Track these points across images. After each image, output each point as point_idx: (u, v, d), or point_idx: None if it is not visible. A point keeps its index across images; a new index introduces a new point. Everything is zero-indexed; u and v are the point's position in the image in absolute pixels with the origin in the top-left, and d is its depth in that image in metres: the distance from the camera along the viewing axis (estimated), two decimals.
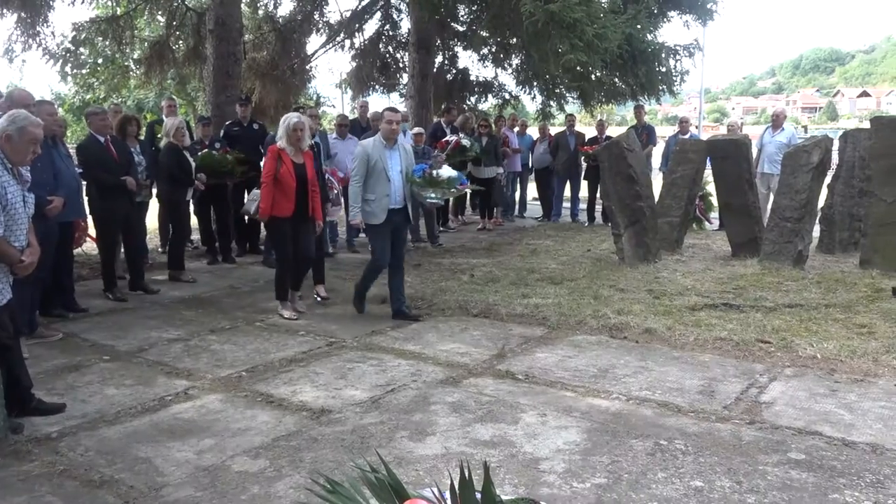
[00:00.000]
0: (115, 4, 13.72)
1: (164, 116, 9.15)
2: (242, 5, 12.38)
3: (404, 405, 4.13)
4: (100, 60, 15.25)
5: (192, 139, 8.47)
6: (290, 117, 6.08)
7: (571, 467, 3.31)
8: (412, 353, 5.19)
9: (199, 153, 8.23)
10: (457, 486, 2.19)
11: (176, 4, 13.27)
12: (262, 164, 8.43)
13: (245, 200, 9.34)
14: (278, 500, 3.04)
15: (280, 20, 15.00)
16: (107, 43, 13.30)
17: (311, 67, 15.91)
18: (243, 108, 9.18)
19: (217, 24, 10.28)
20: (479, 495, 2.23)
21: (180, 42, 14.02)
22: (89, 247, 8.69)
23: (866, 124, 8.64)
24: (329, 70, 67.69)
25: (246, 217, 9.41)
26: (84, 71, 15.41)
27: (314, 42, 40.17)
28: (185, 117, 11.42)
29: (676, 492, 3.07)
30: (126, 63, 14.88)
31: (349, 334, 5.68)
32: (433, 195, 6.28)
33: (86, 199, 6.72)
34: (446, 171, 6.31)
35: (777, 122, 10.78)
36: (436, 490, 2.24)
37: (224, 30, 10.25)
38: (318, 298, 6.83)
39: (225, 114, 9.79)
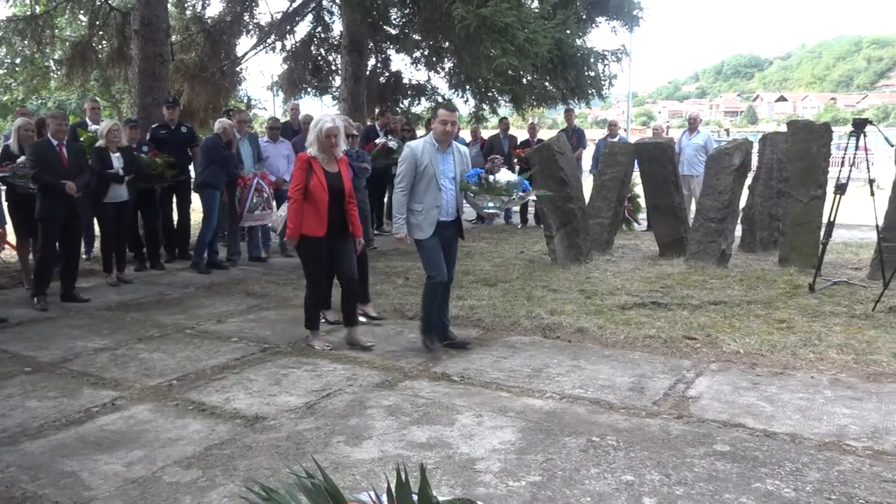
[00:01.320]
0: (33, 3, 13.21)
1: (87, 119, 8.86)
2: (169, 6, 12.08)
3: (340, 410, 4.10)
4: (17, 60, 14.65)
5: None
6: (323, 121, 5.20)
7: (507, 466, 3.35)
8: (348, 357, 5.16)
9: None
10: (393, 489, 2.20)
11: (99, 4, 12.85)
12: (191, 168, 8.34)
13: (174, 206, 9.21)
14: None
15: (209, 21, 14.70)
16: (25, 42, 12.79)
17: (241, 69, 15.65)
18: (171, 111, 8.96)
19: (143, 25, 10.01)
20: (415, 497, 2.24)
21: (104, 42, 13.59)
22: (8, 254, 8.35)
23: (783, 128, 9.01)
24: (260, 72, 66.74)
25: (175, 221, 9.23)
26: (1, 71, 14.79)
27: (244, 44, 39.54)
28: (110, 119, 11.09)
29: (608, 486, 3.14)
30: (46, 64, 14.34)
31: (283, 340, 5.60)
32: (491, 204, 5.29)
33: (5, 205, 6.46)
34: (505, 176, 5.35)
35: (693, 125, 11.18)
36: (373, 494, 2.24)
37: (150, 30, 9.98)
38: (364, 319, 6.04)
39: (152, 116, 9.54)
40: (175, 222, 9.33)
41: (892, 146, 7.87)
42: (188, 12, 14.95)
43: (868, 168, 7.16)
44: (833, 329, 5.54)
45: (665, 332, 5.48)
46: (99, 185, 7.36)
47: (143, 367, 4.96)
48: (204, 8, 14.96)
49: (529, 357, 5.09)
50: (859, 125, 7.00)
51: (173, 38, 12.77)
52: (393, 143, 10.56)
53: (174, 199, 9.14)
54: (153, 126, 8.98)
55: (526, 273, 7.86)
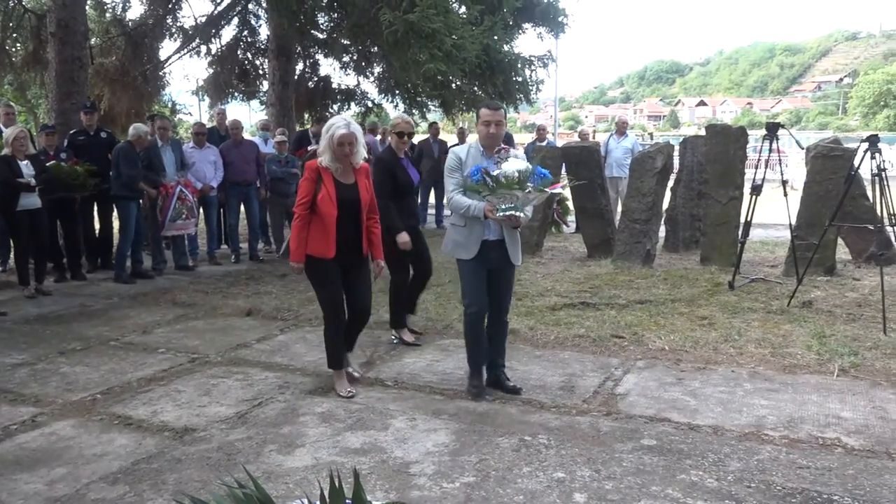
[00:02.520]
0: None
1: (0, 125, 8.49)
2: (88, 8, 11.69)
3: (272, 418, 4.05)
4: None
5: (36, 149, 7.92)
6: (336, 126, 4.37)
7: (441, 468, 3.37)
8: (280, 365, 5.10)
9: (48, 164, 7.71)
10: (327, 496, 2.19)
11: (12, 5, 12.34)
12: (111, 174, 8.06)
13: (96, 213, 8.91)
14: None
15: (130, 24, 14.27)
16: None
17: (164, 73, 15.22)
18: (89, 116, 8.66)
19: (59, 27, 9.64)
20: (349, 503, 2.23)
21: (18, 45, 13.05)
22: None
23: (704, 132, 9.33)
24: (185, 77, 65.01)
25: (96, 230, 8.93)
26: None
27: (168, 47, 38.53)
28: (26, 125, 10.65)
29: (541, 484, 3.19)
30: None
31: (213, 349, 5.49)
32: (505, 206, 4.10)
33: None
34: (514, 165, 4.11)
35: (621, 129, 11.49)
36: (306, 501, 2.23)
37: (67, 33, 9.62)
38: (399, 341, 5.58)
39: (70, 122, 9.20)
40: (97, 231, 9.03)
41: (803, 149, 8.24)
42: (108, 15, 14.48)
43: (782, 170, 7.49)
44: (751, 324, 5.77)
45: (594, 332, 5.60)
46: (8, 194, 7.05)
47: (65, 381, 4.78)
48: (124, 10, 14.51)
49: (462, 360, 5.10)
50: (772, 129, 7.32)
51: (92, 41, 12.35)
52: None
53: (95, 208, 8.85)
54: (71, 132, 8.67)
55: (457, 276, 7.89)
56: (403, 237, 5.28)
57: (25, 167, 7.15)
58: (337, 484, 2.20)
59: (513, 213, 4.07)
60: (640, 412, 4.07)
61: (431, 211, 13.31)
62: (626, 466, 3.37)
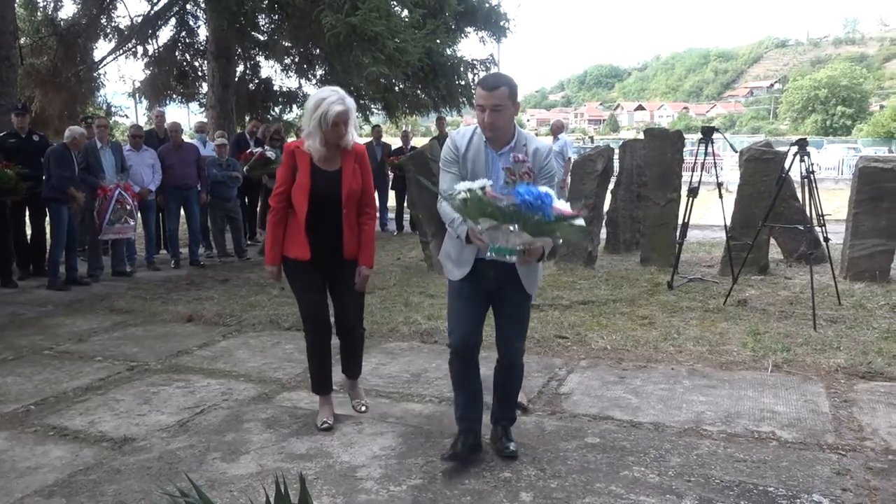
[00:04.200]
0: None
1: None
2: (17, 6, 11.29)
3: (215, 426, 3.97)
4: None
5: None
6: (328, 101, 3.54)
7: (388, 472, 3.36)
8: (222, 371, 5.01)
9: None
10: (273, 502, 2.16)
11: None
12: (43, 177, 7.79)
13: (27, 217, 8.60)
14: None
15: (62, 24, 13.86)
16: None
17: (99, 75, 14.85)
18: (20, 118, 8.35)
19: None
20: None
21: None
22: None
23: (642, 135, 9.54)
24: (120, 78, 63.10)
25: (28, 235, 8.63)
26: None
27: (102, 48, 37.43)
28: None
29: (487, 484, 3.21)
30: None
31: (153, 356, 5.36)
32: (502, 248, 2.93)
33: None
34: (530, 193, 2.86)
35: (557, 131, 11.64)
36: None
37: None
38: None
39: (0, 123, 8.88)
40: (28, 237, 8.73)
41: (737, 152, 8.50)
42: (39, 14, 14.03)
43: (717, 172, 7.70)
44: (690, 323, 5.93)
45: (538, 332, 5.66)
46: None
47: None
48: (56, 10, 14.11)
49: (408, 363, 5.12)
50: (707, 132, 7.54)
51: (22, 40, 11.93)
52: (271, 154, 10.35)
53: (27, 213, 8.55)
54: (1, 134, 8.36)
55: (403, 279, 7.91)
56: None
57: None
58: (283, 490, 2.17)
59: (505, 256, 2.96)
60: (583, 411, 4.13)
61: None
62: (571, 465, 3.41)
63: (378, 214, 13.16)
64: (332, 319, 3.99)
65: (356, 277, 3.84)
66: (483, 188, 2.92)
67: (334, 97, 3.56)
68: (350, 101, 3.64)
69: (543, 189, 2.88)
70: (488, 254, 3.01)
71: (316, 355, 3.97)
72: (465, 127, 3.47)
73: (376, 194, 12.70)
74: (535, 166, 3.16)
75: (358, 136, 3.88)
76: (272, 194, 3.84)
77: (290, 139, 11.92)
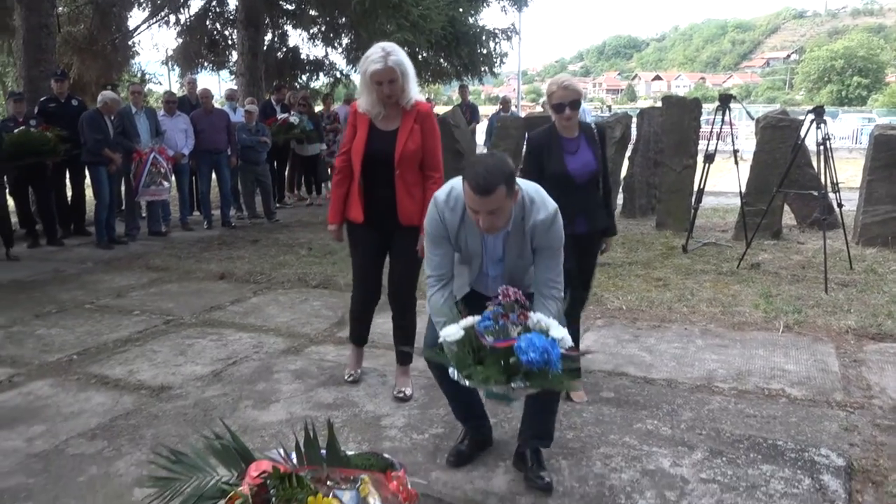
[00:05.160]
0: None
1: None
2: None
3: (247, 376, 4.03)
4: None
5: (5, 116, 7.68)
6: (369, 59, 3.34)
7: (411, 421, 3.39)
8: (253, 326, 5.06)
9: (16, 130, 7.47)
10: (302, 446, 2.19)
11: None
12: (83, 142, 7.84)
13: (68, 180, 8.69)
14: (119, 478, 2.88)
15: None
16: None
17: (133, 43, 14.83)
18: (59, 84, 8.40)
19: None
20: (324, 452, 2.24)
21: None
22: None
23: (659, 104, 9.38)
24: (154, 46, 63.16)
25: (68, 196, 8.73)
26: None
27: (136, 17, 37.32)
28: None
29: (505, 435, 3.23)
30: None
31: (187, 311, 5.43)
32: (498, 394, 2.41)
33: None
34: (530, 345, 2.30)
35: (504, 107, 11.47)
36: (282, 451, 2.23)
37: (33, 0, 9.28)
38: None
39: (39, 89, 8.91)
40: (69, 198, 8.83)
41: (753, 119, 8.33)
42: None
43: (733, 140, 7.57)
44: (703, 285, 5.88)
45: None
46: None
47: (41, 343, 4.70)
48: None
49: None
50: (725, 100, 7.39)
51: (59, 8, 11.92)
52: (294, 119, 10.37)
53: (67, 175, 8.64)
54: (42, 99, 8.41)
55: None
56: None
57: None
58: (312, 435, 2.20)
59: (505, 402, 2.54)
60: (598, 367, 4.13)
61: None
62: (586, 417, 3.42)
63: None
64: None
65: (418, 244, 3.48)
66: (472, 327, 2.42)
67: (377, 55, 3.32)
68: (396, 59, 3.32)
69: (546, 335, 2.36)
70: (483, 397, 2.58)
71: (357, 318, 3.89)
72: (448, 191, 2.70)
73: None
74: (536, 242, 2.68)
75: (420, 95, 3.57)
76: (338, 153, 3.69)
77: (318, 108, 11.89)
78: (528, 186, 2.69)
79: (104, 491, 2.77)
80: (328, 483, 2.02)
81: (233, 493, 2.04)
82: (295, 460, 2.15)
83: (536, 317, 2.47)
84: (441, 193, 2.72)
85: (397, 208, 3.49)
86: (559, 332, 2.42)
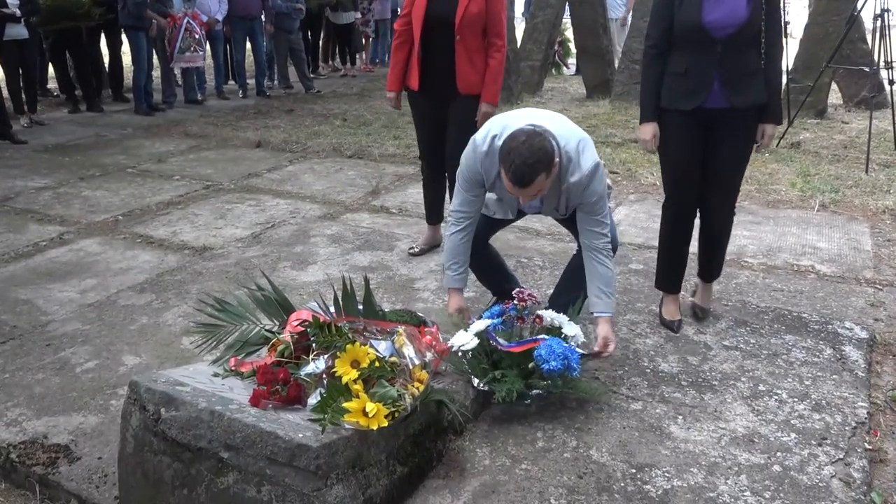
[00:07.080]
0: None
1: None
2: None
3: (285, 239, 4.12)
4: None
5: None
6: None
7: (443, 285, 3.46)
8: (290, 192, 5.12)
9: None
10: (340, 299, 2.27)
11: None
12: (121, 6, 7.68)
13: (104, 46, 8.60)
14: (168, 327, 3.03)
15: None
16: None
17: None
18: None
19: None
20: (360, 307, 2.32)
21: None
22: None
23: None
24: None
25: (105, 62, 8.68)
26: None
27: None
28: None
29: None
30: None
31: (226, 177, 5.50)
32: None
33: None
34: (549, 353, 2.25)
35: None
36: (321, 302, 2.31)
37: None
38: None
39: None
40: (106, 64, 8.78)
41: None
42: None
43: (784, 14, 7.14)
44: None
45: None
46: None
47: (87, 204, 4.83)
48: None
49: None
50: None
51: None
52: None
53: (103, 40, 8.54)
54: None
55: None
56: (646, 132, 3.11)
57: None
58: (349, 289, 2.27)
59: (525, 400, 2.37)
60: (629, 240, 4.14)
61: None
62: (615, 286, 3.46)
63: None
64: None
65: (477, 115, 3.39)
66: (484, 331, 2.36)
67: None
68: None
69: (563, 339, 2.35)
70: (495, 399, 2.30)
71: (427, 187, 3.83)
72: (489, 141, 2.50)
73: None
74: (571, 202, 2.60)
75: None
76: (400, 16, 3.51)
77: None
78: (568, 139, 2.51)
79: (155, 338, 2.93)
80: (365, 334, 2.10)
81: (275, 339, 2.14)
82: (333, 311, 2.23)
83: (549, 316, 2.46)
84: (481, 140, 2.52)
85: (456, 75, 3.33)
86: (572, 329, 2.42)
